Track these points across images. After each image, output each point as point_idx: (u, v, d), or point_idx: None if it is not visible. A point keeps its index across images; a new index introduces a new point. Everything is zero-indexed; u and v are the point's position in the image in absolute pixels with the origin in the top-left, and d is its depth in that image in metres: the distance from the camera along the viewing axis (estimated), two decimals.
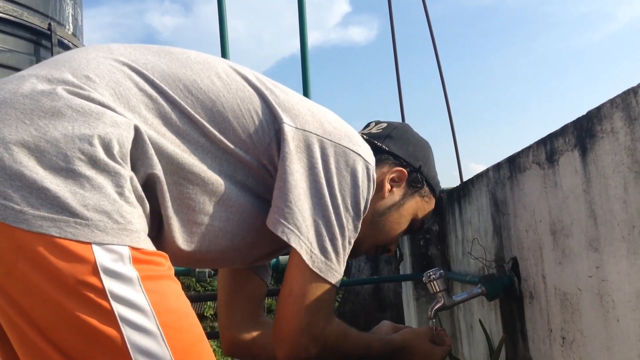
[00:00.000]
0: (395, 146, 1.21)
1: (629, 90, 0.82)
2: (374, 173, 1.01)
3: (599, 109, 0.91)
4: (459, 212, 1.98)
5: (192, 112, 0.89)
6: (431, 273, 1.41)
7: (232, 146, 0.92)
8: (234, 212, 0.94)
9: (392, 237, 1.22)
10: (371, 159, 1.02)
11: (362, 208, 0.99)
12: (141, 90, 0.87)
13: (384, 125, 1.28)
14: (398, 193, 1.19)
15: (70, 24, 3.52)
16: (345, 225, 0.97)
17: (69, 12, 3.49)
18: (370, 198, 1.02)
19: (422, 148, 1.26)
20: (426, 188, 1.24)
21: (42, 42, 3.19)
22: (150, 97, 0.87)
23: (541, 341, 1.26)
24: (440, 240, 2.25)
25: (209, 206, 0.91)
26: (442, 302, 1.41)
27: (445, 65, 2.73)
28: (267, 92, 0.97)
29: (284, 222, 0.92)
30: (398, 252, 2.50)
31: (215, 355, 0.84)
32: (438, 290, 1.41)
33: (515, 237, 1.37)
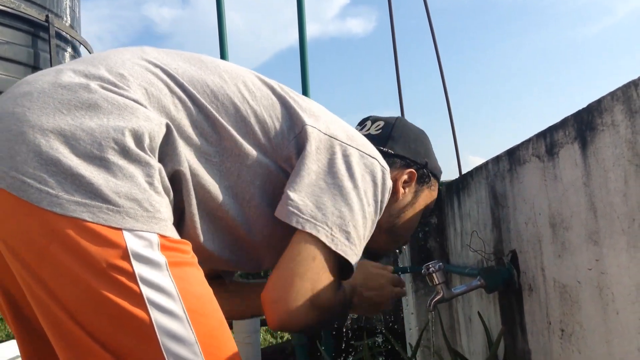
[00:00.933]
0: (400, 147, 1.26)
1: (629, 83, 0.82)
2: (389, 179, 1.04)
3: (599, 101, 0.91)
4: (457, 205, 1.98)
5: (217, 116, 0.92)
6: (430, 265, 1.42)
7: (252, 149, 0.94)
8: (252, 215, 0.96)
9: (409, 233, 1.28)
10: (387, 166, 1.05)
11: (380, 206, 1.01)
12: (171, 91, 0.90)
13: (381, 124, 1.30)
14: (410, 192, 1.25)
15: (68, 16, 3.50)
16: (367, 215, 0.98)
17: (66, 4, 3.47)
18: (386, 201, 1.04)
19: (423, 142, 1.31)
20: (433, 180, 1.31)
21: (40, 34, 3.17)
22: (179, 98, 0.90)
23: (540, 334, 1.27)
24: (439, 232, 2.26)
25: (227, 209, 0.93)
26: (441, 294, 1.41)
27: (444, 58, 2.73)
28: (290, 100, 1.00)
29: (297, 212, 0.92)
30: None
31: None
32: (437, 282, 1.41)
33: (515, 229, 1.37)
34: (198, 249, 0.92)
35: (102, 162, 0.76)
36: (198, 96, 0.92)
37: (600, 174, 0.92)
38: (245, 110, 0.95)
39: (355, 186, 0.97)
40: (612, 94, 0.87)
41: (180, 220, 0.91)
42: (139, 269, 0.73)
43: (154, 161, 0.81)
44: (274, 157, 0.97)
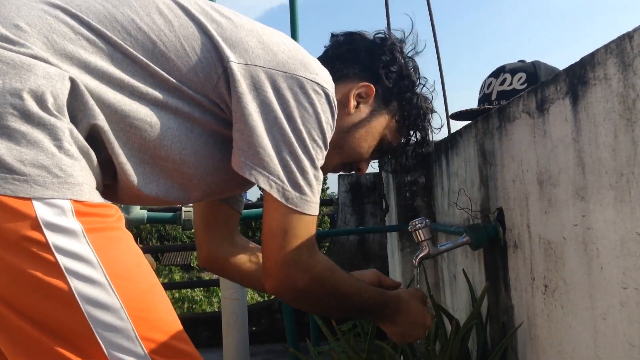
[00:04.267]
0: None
1: (624, 35, 0.81)
2: (334, 99, 0.96)
3: (592, 55, 0.89)
4: (445, 164, 1.98)
5: (135, 53, 0.86)
6: (416, 222, 1.42)
7: (179, 85, 0.88)
8: (188, 153, 0.91)
9: (359, 154, 1.15)
10: (330, 85, 0.97)
11: (327, 137, 0.96)
12: (77, 34, 0.83)
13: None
14: (365, 110, 1.12)
15: None
16: (314, 156, 0.93)
17: None
18: (334, 124, 0.97)
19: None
20: (396, 103, 1.16)
21: None
22: (88, 40, 0.83)
23: (523, 289, 1.28)
24: (427, 192, 2.26)
25: (160, 150, 0.88)
26: (427, 250, 1.42)
27: (437, 15, 2.68)
28: (212, 27, 0.91)
29: (250, 164, 0.89)
30: (384, 203, 2.52)
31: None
32: (423, 239, 1.42)
33: (502, 187, 1.37)
34: (142, 195, 0.90)
35: (2, 130, 0.71)
36: (109, 34, 0.85)
37: (590, 129, 0.92)
38: (162, 44, 0.88)
39: (299, 124, 0.92)
40: (605, 47, 0.85)
41: (114, 173, 0.87)
42: (53, 238, 0.70)
43: (60, 122, 0.76)
44: (204, 91, 0.90)
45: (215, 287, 7.41)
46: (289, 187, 0.91)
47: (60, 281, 0.70)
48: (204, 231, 1.24)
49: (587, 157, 0.93)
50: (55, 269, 0.70)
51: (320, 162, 0.95)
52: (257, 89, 0.91)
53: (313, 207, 0.94)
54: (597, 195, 0.91)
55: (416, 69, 1.19)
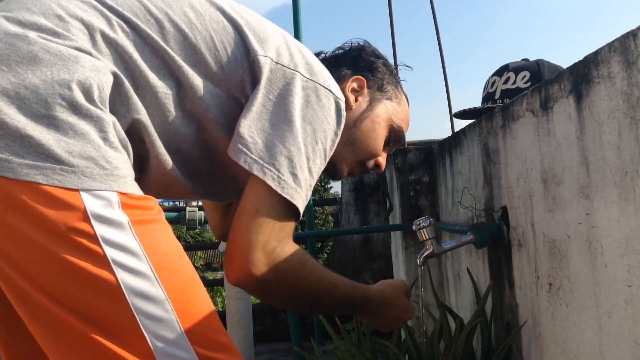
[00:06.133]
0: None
1: (627, 33, 0.81)
2: (344, 110, 0.98)
3: (596, 53, 0.89)
4: (449, 163, 1.98)
5: (165, 47, 0.87)
6: (421, 221, 1.42)
7: (203, 80, 0.89)
8: (209, 147, 0.93)
9: (372, 147, 1.17)
10: (341, 96, 0.99)
11: (330, 144, 0.96)
12: (113, 26, 0.84)
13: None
14: (363, 101, 1.16)
15: None
16: (315, 156, 0.93)
17: None
18: (340, 134, 0.98)
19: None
20: (393, 91, 1.20)
21: None
22: (124, 32, 0.85)
23: (528, 288, 1.28)
24: (430, 191, 2.26)
25: (182, 145, 0.90)
26: (431, 249, 1.42)
27: (440, 15, 2.68)
28: (242, 22, 0.94)
29: (246, 151, 0.88)
30: (388, 203, 2.52)
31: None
32: (427, 237, 1.42)
33: (506, 186, 1.37)
34: (169, 185, 0.91)
35: (50, 121, 0.72)
36: (142, 26, 0.86)
37: (594, 128, 0.92)
38: (194, 37, 0.89)
39: (306, 123, 0.92)
40: (609, 45, 0.85)
41: (142, 167, 0.88)
42: (100, 229, 0.71)
43: (106, 114, 0.77)
44: (226, 86, 0.91)
45: (219, 287, 7.41)
46: (286, 177, 0.89)
47: (108, 273, 0.70)
48: (216, 225, 1.26)
49: (592, 155, 0.93)
50: (104, 261, 0.70)
51: (318, 166, 0.94)
52: (276, 83, 0.92)
53: (301, 201, 0.91)
54: (601, 193, 0.91)
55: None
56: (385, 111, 1.18)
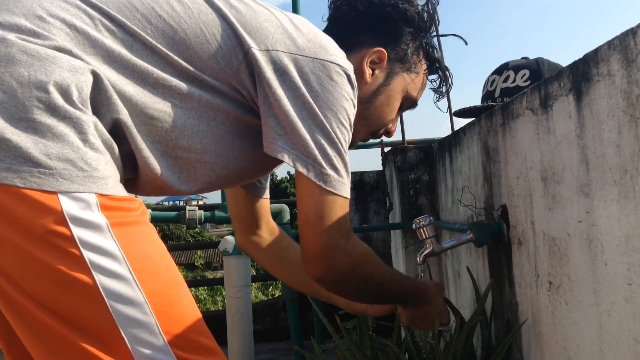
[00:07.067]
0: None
1: (627, 31, 0.81)
2: (354, 78, 0.97)
3: (596, 51, 0.89)
4: (449, 161, 1.98)
5: (154, 42, 0.86)
6: (420, 219, 1.42)
7: (199, 73, 0.88)
8: (209, 141, 0.91)
9: (385, 120, 1.17)
10: (349, 65, 0.97)
11: (352, 118, 0.96)
12: (98, 25, 0.83)
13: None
14: (381, 75, 1.13)
15: None
16: (345, 139, 0.94)
17: None
18: (356, 103, 0.98)
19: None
20: (411, 57, 1.15)
21: None
22: (109, 30, 0.84)
23: (528, 286, 1.28)
24: (430, 189, 2.26)
25: (181, 140, 0.89)
26: (431, 248, 1.42)
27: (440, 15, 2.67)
28: (230, 13, 0.92)
29: (287, 148, 0.90)
30: (388, 201, 2.52)
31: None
32: (427, 236, 1.42)
33: (506, 184, 1.37)
34: (165, 186, 0.91)
35: (28, 124, 0.71)
36: (129, 23, 0.85)
37: (594, 126, 0.92)
38: (183, 32, 0.88)
39: (327, 109, 0.92)
40: (609, 43, 0.85)
41: (135, 167, 0.87)
42: (78, 232, 0.70)
43: (85, 115, 0.76)
44: (225, 78, 0.91)
45: (219, 286, 7.42)
46: (327, 170, 0.91)
47: (85, 276, 0.70)
48: (235, 221, 1.33)
49: (591, 153, 0.93)
50: (81, 264, 0.70)
51: (347, 144, 0.96)
52: (282, 74, 0.91)
53: (347, 189, 0.95)
54: (601, 191, 0.91)
55: (431, 12, 1.19)
56: (402, 83, 1.15)
